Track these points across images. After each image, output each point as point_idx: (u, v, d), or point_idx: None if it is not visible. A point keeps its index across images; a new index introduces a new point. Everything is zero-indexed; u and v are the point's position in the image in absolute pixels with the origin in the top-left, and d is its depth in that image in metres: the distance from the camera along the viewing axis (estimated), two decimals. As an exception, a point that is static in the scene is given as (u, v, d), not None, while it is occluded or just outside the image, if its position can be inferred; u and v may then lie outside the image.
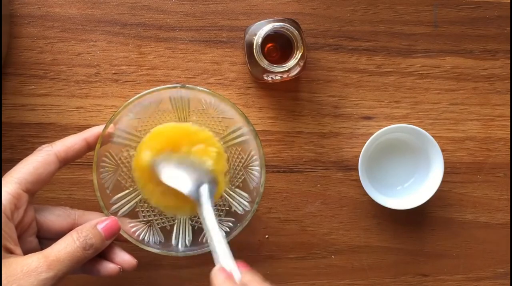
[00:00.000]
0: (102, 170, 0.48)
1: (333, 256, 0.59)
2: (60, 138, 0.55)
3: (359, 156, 0.55)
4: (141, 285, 0.57)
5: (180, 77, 0.57)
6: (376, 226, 0.59)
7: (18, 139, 0.56)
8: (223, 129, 0.52)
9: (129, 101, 0.47)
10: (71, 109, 0.56)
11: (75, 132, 0.55)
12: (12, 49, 0.55)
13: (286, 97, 0.58)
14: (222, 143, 0.52)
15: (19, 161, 0.55)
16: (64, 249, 0.42)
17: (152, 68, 0.56)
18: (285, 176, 0.58)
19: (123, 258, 0.46)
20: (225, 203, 0.52)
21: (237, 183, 0.52)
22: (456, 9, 0.58)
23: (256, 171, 0.50)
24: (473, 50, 0.59)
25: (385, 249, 0.59)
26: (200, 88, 0.48)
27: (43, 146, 0.46)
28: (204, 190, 0.46)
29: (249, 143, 0.50)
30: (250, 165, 0.51)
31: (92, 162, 0.47)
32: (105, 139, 0.47)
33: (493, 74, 0.59)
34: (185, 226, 0.52)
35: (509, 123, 0.59)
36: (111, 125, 0.47)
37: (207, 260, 0.48)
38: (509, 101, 0.59)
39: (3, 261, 0.40)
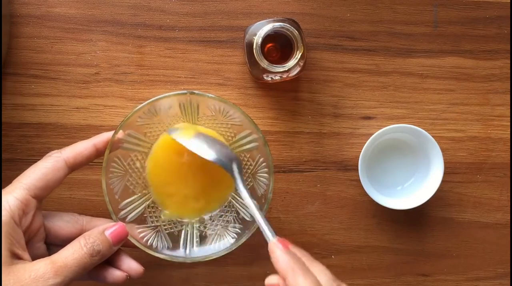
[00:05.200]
0: (111, 175, 0.48)
1: (333, 256, 0.59)
2: (60, 138, 0.56)
3: (359, 156, 0.55)
4: (142, 285, 0.57)
5: (180, 77, 0.57)
6: (376, 226, 0.59)
7: (18, 139, 0.56)
8: (232, 136, 0.52)
9: (138, 107, 0.47)
10: (71, 109, 0.56)
11: (75, 132, 0.56)
12: (12, 49, 0.55)
13: (286, 97, 0.58)
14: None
15: (19, 161, 0.56)
16: (71, 255, 0.42)
17: (152, 68, 0.56)
18: (285, 176, 0.58)
19: (130, 265, 0.46)
20: (232, 209, 0.52)
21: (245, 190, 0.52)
22: (456, 9, 0.58)
23: (264, 178, 0.50)
24: (473, 50, 0.59)
25: (385, 249, 0.59)
26: (210, 95, 0.47)
27: (52, 152, 0.46)
28: (235, 166, 0.47)
29: (257, 149, 0.50)
30: (259, 171, 0.50)
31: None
32: (114, 145, 0.47)
33: (493, 74, 0.59)
34: (193, 231, 0.51)
35: (509, 123, 0.59)
36: (121, 131, 0.47)
37: (208, 260, 0.48)
38: (509, 101, 0.59)
39: (11, 267, 0.40)
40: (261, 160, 0.50)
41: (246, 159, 0.52)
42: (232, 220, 0.52)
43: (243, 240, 0.48)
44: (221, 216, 0.52)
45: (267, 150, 0.48)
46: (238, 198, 0.52)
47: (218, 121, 0.51)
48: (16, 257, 0.41)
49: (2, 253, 0.40)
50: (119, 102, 0.56)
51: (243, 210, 0.51)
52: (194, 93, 0.47)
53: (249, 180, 0.52)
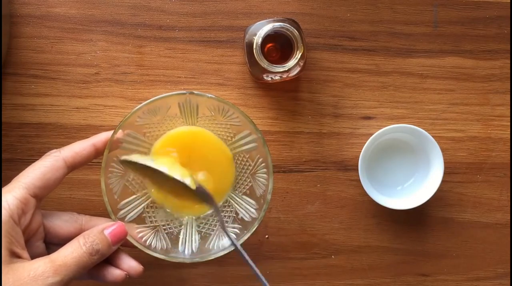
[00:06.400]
0: (110, 175, 0.48)
1: (333, 256, 0.59)
2: (60, 138, 0.56)
3: (359, 156, 0.55)
4: (141, 284, 0.57)
5: (180, 77, 0.57)
6: (376, 226, 0.59)
7: (18, 139, 0.56)
8: (231, 136, 0.52)
9: (137, 107, 0.47)
10: (71, 109, 0.56)
11: (75, 132, 0.56)
12: (12, 49, 0.55)
13: (286, 97, 0.58)
14: (229, 149, 0.52)
15: (19, 161, 0.56)
16: (70, 254, 0.42)
17: (152, 68, 0.56)
18: (285, 176, 0.58)
19: (129, 264, 0.46)
20: (232, 209, 0.52)
21: (244, 190, 0.52)
22: (456, 9, 0.58)
23: (263, 178, 0.50)
24: (473, 50, 0.59)
25: (385, 249, 0.59)
26: (209, 95, 0.47)
27: (51, 151, 0.46)
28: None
29: (257, 150, 0.50)
30: (258, 172, 0.50)
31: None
32: (113, 145, 0.47)
33: (493, 74, 0.59)
34: (192, 232, 0.51)
35: (509, 123, 0.59)
36: (120, 131, 0.47)
37: (208, 261, 0.48)
38: (509, 101, 0.59)
39: (10, 265, 0.40)
40: (260, 160, 0.50)
41: (245, 160, 0.52)
42: (231, 221, 0.52)
43: (242, 240, 0.48)
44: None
45: (266, 150, 0.48)
46: (237, 198, 0.52)
47: (217, 121, 0.51)
48: (15, 256, 0.41)
49: (1, 252, 0.40)
50: (119, 102, 0.56)
51: (242, 211, 0.51)
52: (193, 93, 0.47)
53: (248, 180, 0.52)
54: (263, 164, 0.49)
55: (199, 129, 0.52)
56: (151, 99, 0.47)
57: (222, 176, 0.52)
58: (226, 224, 0.51)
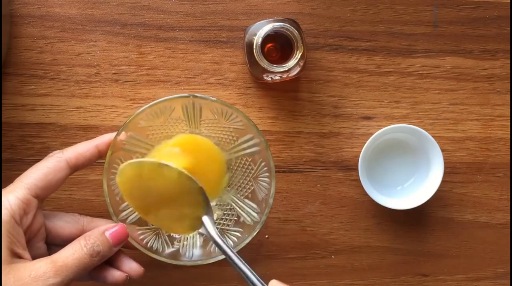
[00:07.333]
0: (112, 176, 0.48)
1: (333, 256, 0.59)
2: (60, 138, 0.56)
3: (359, 156, 0.55)
4: (142, 284, 0.57)
5: (180, 77, 0.57)
6: (376, 226, 0.59)
7: (18, 139, 0.56)
8: (234, 140, 0.52)
9: (141, 109, 0.47)
10: (71, 109, 0.56)
11: (75, 132, 0.56)
12: (12, 49, 0.55)
13: (286, 97, 0.58)
14: (231, 152, 0.52)
15: (19, 161, 0.56)
16: (71, 255, 0.42)
17: (152, 68, 0.56)
18: (285, 176, 0.58)
19: (130, 266, 0.46)
20: (233, 213, 0.52)
21: (246, 194, 0.52)
22: (456, 9, 0.58)
23: (265, 182, 0.50)
24: (473, 50, 0.59)
25: (385, 249, 0.59)
26: (213, 98, 0.47)
27: (54, 152, 0.46)
28: (206, 221, 0.46)
29: (259, 153, 0.50)
30: (260, 176, 0.50)
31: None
32: (116, 146, 0.47)
33: (493, 74, 0.59)
34: (193, 235, 0.51)
35: (509, 123, 0.59)
36: (123, 132, 0.47)
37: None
38: (509, 101, 0.59)
39: (11, 265, 0.40)
40: (263, 164, 0.50)
41: (247, 163, 0.52)
42: (233, 224, 0.52)
43: (243, 244, 0.48)
44: (221, 220, 0.52)
45: (269, 154, 0.48)
46: (239, 202, 0.52)
47: (220, 125, 0.51)
48: (16, 256, 0.41)
49: (2, 251, 0.40)
50: (119, 102, 0.56)
51: (244, 214, 0.51)
52: (197, 96, 0.47)
53: (250, 184, 0.52)
54: (265, 168, 0.49)
55: (194, 135, 0.52)
56: (155, 102, 0.47)
57: (215, 177, 0.52)
58: (228, 228, 0.52)
